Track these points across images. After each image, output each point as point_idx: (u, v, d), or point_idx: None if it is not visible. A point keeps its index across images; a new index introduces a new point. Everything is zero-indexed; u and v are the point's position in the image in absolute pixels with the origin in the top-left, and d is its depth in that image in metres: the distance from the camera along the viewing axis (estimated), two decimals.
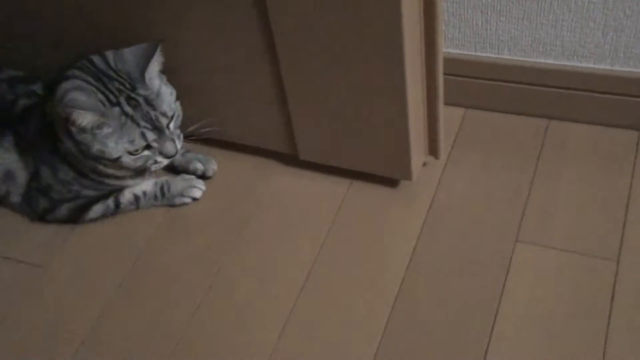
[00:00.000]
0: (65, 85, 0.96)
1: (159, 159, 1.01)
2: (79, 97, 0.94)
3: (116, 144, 0.96)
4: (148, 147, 0.99)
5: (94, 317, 0.98)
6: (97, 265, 1.05)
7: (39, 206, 1.08)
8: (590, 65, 1.05)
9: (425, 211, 1.04)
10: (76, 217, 1.09)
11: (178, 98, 1.02)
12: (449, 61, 1.04)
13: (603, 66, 1.05)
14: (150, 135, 0.97)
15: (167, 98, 0.99)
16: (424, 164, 1.08)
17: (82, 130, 0.95)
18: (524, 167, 1.07)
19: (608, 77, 1.05)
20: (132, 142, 0.96)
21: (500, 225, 1.00)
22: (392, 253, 0.99)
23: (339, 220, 1.05)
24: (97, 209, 1.09)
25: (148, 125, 0.96)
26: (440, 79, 0.95)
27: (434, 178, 1.08)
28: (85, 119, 0.93)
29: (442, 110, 1.00)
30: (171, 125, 1.00)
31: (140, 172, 1.06)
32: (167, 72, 1.01)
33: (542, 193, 1.03)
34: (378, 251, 1.00)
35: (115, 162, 0.98)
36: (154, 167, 1.02)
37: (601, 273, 0.92)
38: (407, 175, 1.03)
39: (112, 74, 0.96)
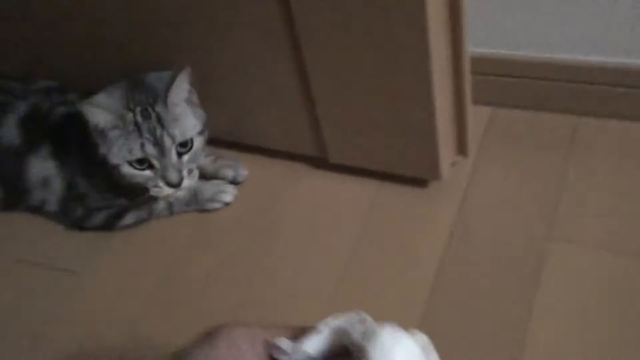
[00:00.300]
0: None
1: (160, 183, 1.00)
2: (100, 98, 0.98)
3: (119, 149, 0.98)
4: (151, 167, 0.99)
5: (128, 324, 1.00)
6: (131, 272, 1.07)
7: (74, 214, 1.11)
8: (620, 60, 1.04)
9: (455, 210, 1.04)
10: (111, 224, 1.11)
11: (203, 133, 1.02)
12: (475, 60, 1.03)
13: (632, 60, 1.04)
14: (150, 149, 0.97)
15: (186, 127, 0.99)
16: (453, 164, 1.08)
17: (99, 132, 0.98)
18: (555, 165, 1.06)
19: (638, 72, 1.04)
20: (131, 151, 0.97)
21: (532, 224, 0.99)
22: (424, 253, 1.00)
23: (369, 222, 1.05)
24: (131, 216, 1.11)
25: (150, 139, 0.97)
26: (467, 78, 0.96)
27: (464, 177, 1.07)
28: (99, 117, 0.97)
29: (470, 109, 1.00)
30: (185, 158, 1.00)
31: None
32: (197, 81, 1.03)
33: (574, 190, 1.02)
34: (409, 251, 1.01)
35: (115, 170, 1.00)
36: (154, 192, 1.02)
37: (637, 272, 0.91)
38: (436, 175, 1.03)
39: (141, 87, 0.99)
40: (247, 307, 0.98)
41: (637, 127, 1.09)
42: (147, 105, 0.97)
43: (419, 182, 1.08)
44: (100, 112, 0.97)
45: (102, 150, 0.99)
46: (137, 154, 0.98)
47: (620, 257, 0.93)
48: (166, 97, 0.98)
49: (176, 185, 1.00)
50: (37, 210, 1.15)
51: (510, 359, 0.86)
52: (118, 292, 1.05)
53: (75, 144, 1.08)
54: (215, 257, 1.06)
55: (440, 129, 0.96)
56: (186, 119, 1.00)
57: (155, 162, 0.99)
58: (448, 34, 0.90)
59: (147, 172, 1.00)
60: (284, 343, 0.46)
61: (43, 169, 1.10)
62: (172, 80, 0.97)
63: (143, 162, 0.99)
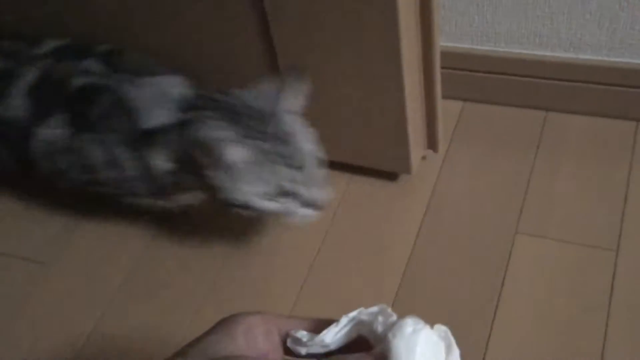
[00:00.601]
0: (200, 127, 0.85)
1: (302, 209, 0.88)
2: (221, 133, 0.83)
3: (250, 185, 0.85)
4: (286, 193, 0.86)
5: (97, 314, 0.99)
6: (101, 262, 1.06)
7: (75, 180, 1.00)
8: (587, 56, 1.06)
9: (425, 204, 1.04)
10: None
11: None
12: (446, 55, 1.04)
13: (599, 57, 1.06)
14: (290, 174, 0.85)
15: (310, 139, 0.87)
16: (423, 158, 1.09)
17: (226, 169, 0.84)
18: (523, 159, 1.08)
19: (604, 68, 1.05)
20: (268, 182, 0.84)
21: (500, 217, 1.01)
22: (393, 246, 1.00)
23: (339, 214, 1.06)
24: None
25: (288, 162, 0.84)
26: (438, 72, 0.96)
27: (433, 171, 1.08)
28: (236, 153, 0.83)
29: (440, 104, 1.01)
30: (314, 171, 0.88)
31: None
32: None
33: (541, 184, 1.04)
34: (379, 244, 1.01)
35: (245, 207, 0.87)
36: (295, 220, 0.89)
37: (601, 263, 0.93)
38: (407, 169, 1.04)
39: (244, 110, 0.86)
40: (215, 303, 0.98)
41: (603, 122, 1.11)
42: (268, 127, 0.85)
43: (389, 176, 1.08)
44: (237, 147, 0.82)
45: (224, 194, 0.85)
46: (278, 183, 0.85)
47: (584, 249, 0.95)
48: (288, 112, 0.86)
49: (319, 206, 0.88)
50: (48, 179, 1.03)
51: (479, 339, 0.87)
52: (85, 281, 1.04)
53: (107, 121, 0.94)
54: (185, 250, 1.06)
55: (411, 123, 0.97)
56: (306, 130, 0.88)
57: (294, 187, 0.86)
58: (419, 28, 0.90)
59: (285, 201, 0.86)
60: (301, 333, 0.46)
61: (53, 135, 0.96)
62: (292, 91, 0.87)
63: (277, 192, 0.86)
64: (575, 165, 1.06)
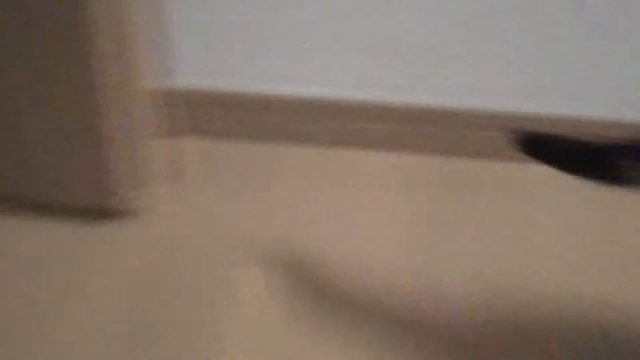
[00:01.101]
0: None
1: None
2: None
3: None
4: None
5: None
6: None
7: None
8: (315, 91, 1.12)
9: (150, 245, 1.01)
10: None
11: None
12: (180, 93, 1.05)
13: (326, 90, 1.11)
14: None
15: None
16: (155, 196, 1.07)
17: None
18: (257, 191, 1.10)
19: (331, 103, 1.12)
20: None
21: (229, 251, 1.00)
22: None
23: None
24: None
25: None
26: (146, 112, 0.96)
27: (163, 210, 1.06)
28: None
29: (155, 143, 1.01)
30: None
31: None
32: None
33: (279, 214, 1.06)
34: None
35: None
36: None
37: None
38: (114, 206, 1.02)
39: None
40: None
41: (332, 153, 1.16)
42: None
43: (104, 215, 1.04)
44: None
45: None
46: None
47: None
48: None
49: None
50: None
51: None
52: None
53: None
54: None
55: (119, 165, 0.97)
56: None
57: None
58: (120, 72, 0.90)
59: None
60: None
61: None
62: None
63: None
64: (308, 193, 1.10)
